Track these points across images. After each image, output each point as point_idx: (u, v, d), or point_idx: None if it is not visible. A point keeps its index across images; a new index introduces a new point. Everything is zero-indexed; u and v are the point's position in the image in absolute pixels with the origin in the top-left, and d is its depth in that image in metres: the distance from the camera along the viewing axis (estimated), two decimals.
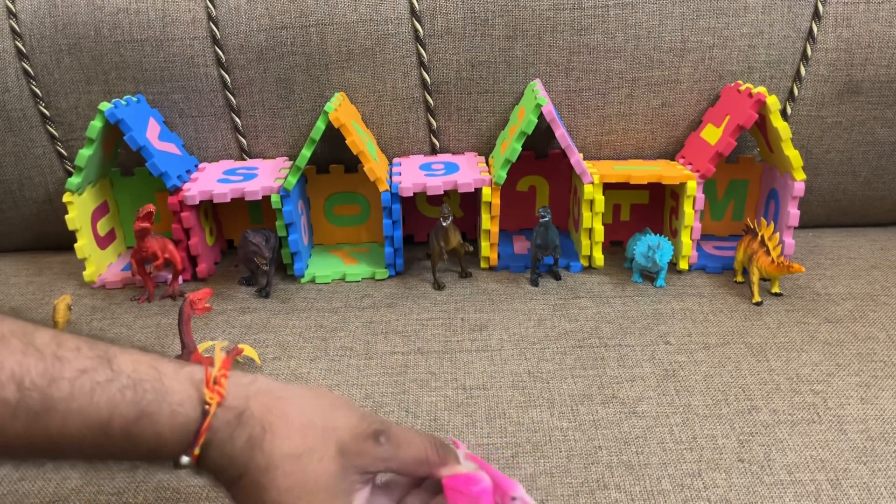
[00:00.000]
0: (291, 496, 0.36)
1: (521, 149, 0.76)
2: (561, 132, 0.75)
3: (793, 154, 0.74)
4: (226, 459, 0.37)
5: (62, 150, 0.86)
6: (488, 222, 0.79)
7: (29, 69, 0.82)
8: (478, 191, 0.79)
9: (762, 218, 0.76)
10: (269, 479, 0.36)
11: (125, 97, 0.81)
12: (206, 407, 0.36)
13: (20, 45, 0.82)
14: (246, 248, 0.76)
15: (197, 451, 0.36)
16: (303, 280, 0.81)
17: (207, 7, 0.80)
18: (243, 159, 0.89)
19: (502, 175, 0.77)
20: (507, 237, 0.90)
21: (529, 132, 0.75)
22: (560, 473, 0.51)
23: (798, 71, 0.83)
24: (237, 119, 0.85)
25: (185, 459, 0.36)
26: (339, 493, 0.37)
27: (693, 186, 0.76)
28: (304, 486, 0.36)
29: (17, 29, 0.81)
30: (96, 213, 0.83)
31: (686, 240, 0.79)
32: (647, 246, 0.75)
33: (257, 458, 0.36)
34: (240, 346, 0.65)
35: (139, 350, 0.38)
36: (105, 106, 0.75)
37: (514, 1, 0.79)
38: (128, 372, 0.36)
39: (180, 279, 0.80)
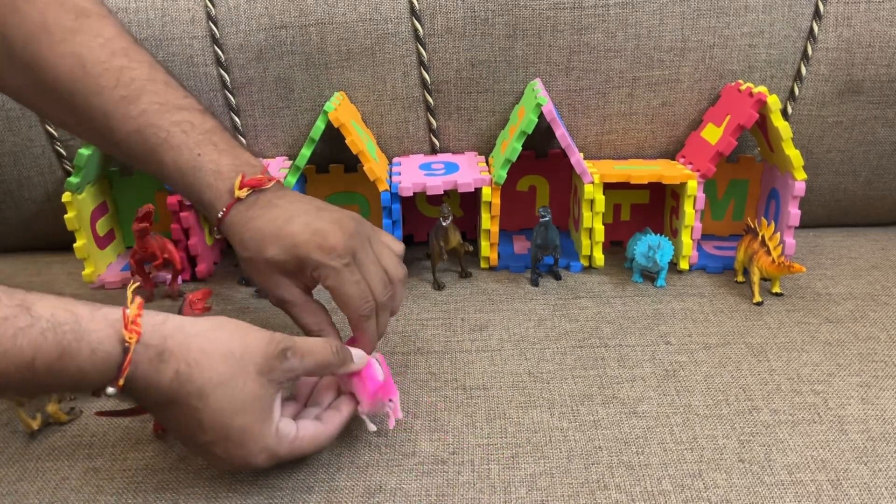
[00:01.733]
0: (226, 416, 0.45)
1: (521, 148, 0.75)
2: (561, 132, 0.75)
3: (793, 154, 0.73)
4: (152, 390, 0.44)
5: (61, 150, 0.86)
6: (488, 222, 0.79)
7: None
8: (478, 190, 0.79)
9: (763, 218, 0.76)
10: (203, 404, 0.44)
11: None
12: (126, 345, 0.42)
13: None
14: None
15: (122, 381, 0.42)
16: None
17: (207, 6, 0.80)
18: None
19: (502, 175, 0.77)
20: (507, 237, 0.90)
21: (529, 132, 0.75)
22: (560, 473, 0.51)
23: (799, 70, 0.83)
24: (236, 118, 0.85)
25: (110, 390, 0.43)
26: (264, 406, 0.47)
27: (693, 186, 0.76)
28: (235, 407, 0.45)
29: None
30: (95, 212, 0.83)
31: (686, 240, 0.78)
32: (647, 246, 0.75)
33: (187, 388, 0.44)
34: None
35: (55, 296, 0.43)
36: None
37: (514, 0, 0.79)
38: (46, 316, 0.41)
39: (179, 279, 0.80)
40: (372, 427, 0.54)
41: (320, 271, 0.53)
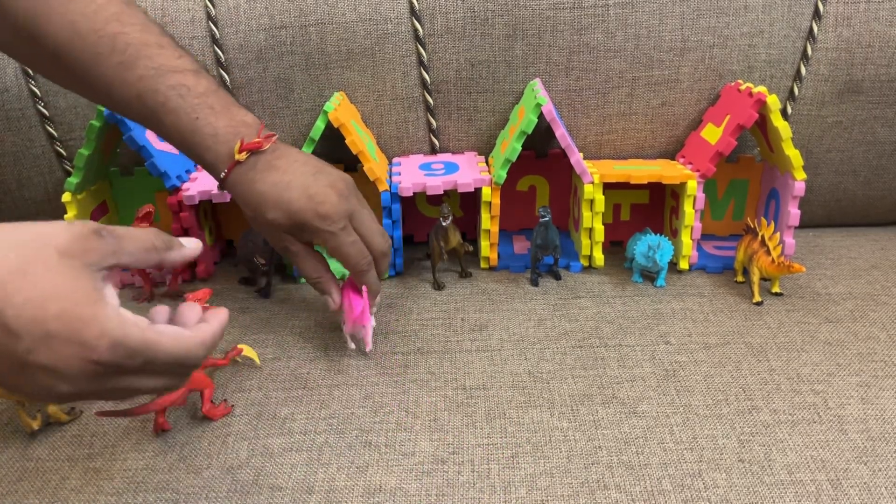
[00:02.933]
0: (35, 307, 0.36)
1: (521, 148, 0.75)
2: (561, 132, 0.75)
3: (793, 153, 0.73)
4: None
5: (61, 150, 0.86)
6: (488, 222, 0.79)
7: (28, 69, 0.82)
8: (478, 191, 0.79)
9: (762, 218, 0.76)
10: (3, 294, 0.35)
11: None
12: None
13: None
14: (246, 248, 0.76)
15: None
16: (302, 280, 0.81)
17: (207, 7, 0.80)
18: None
19: (502, 175, 0.77)
20: (507, 237, 0.90)
21: (529, 132, 0.75)
22: (560, 473, 0.51)
23: (798, 70, 0.83)
24: None
25: None
26: (86, 288, 0.37)
27: (693, 186, 0.76)
28: (44, 294, 0.36)
29: None
30: (95, 213, 0.83)
31: (686, 239, 0.78)
32: (647, 246, 0.75)
33: None
34: (239, 346, 0.65)
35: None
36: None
37: (514, 0, 0.79)
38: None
39: (179, 279, 0.80)
40: (351, 345, 0.66)
41: (319, 236, 0.60)
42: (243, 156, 0.59)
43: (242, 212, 0.63)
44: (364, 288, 0.64)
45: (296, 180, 0.60)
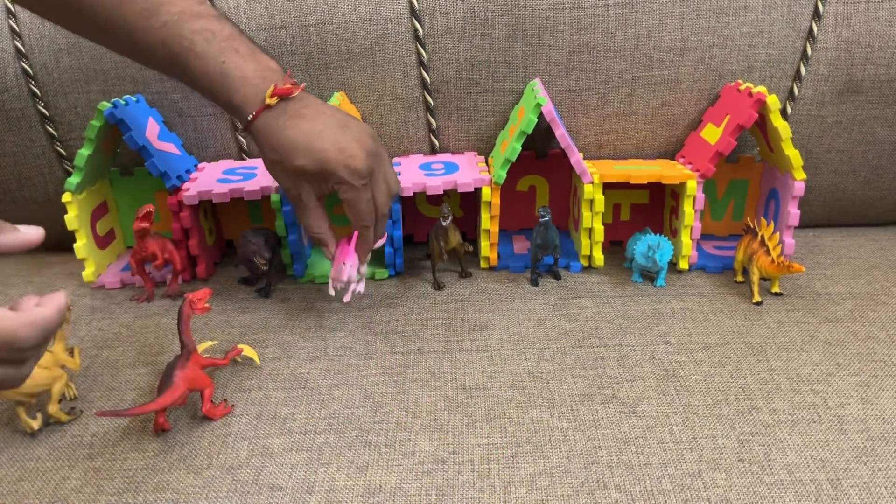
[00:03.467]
0: None
1: (521, 148, 0.75)
2: (561, 132, 0.75)
3: (793, 153, 0.73)
4: None
5: (61, 150, 0.86)
6: (488, 222, 0.79)
7: (28, 69, 0.82)
8: (478, 191, 0.79)
9: (762, 217, 0.76)
10: None
11: (124, 97, 0.81)
12: None
13: (19, 45, 0.81)
14: (246, 248, 0.76)
15: None
16: (302, 280, 0.81)
17: None
18: (243, 159, 0.89)
19: (502, 175, 0.77)
20: (507, 237, 0.90)
21: (529, 132, 0.75)
22: (560, 473, 0.51)
23: (798, 70, 0.83)
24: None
25: None
26: None
27: (693, 186, 0.76)
28: None
29: (17, 28, 0.81)
30: (95, 213, 0.83)
31: (686, 239, 0.78)
32: (647, 246, 0.75)
33: None
34: (239, 346, 0.65)
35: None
36: (104, 106, 0.75)
37: (514, 0, 0.79)
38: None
39: (180, 279, 0.80)
40: (331, 291, 0.70)
41: (342, 186, 0.63)
42: (274, 100, 0.61)
43: (262, 155, 0.64)
44: (355, 239, 0.68)
45: (326, 131, 0.61)
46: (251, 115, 0.62)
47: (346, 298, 0.71)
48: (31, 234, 0.45)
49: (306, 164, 0.61)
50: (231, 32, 0.62)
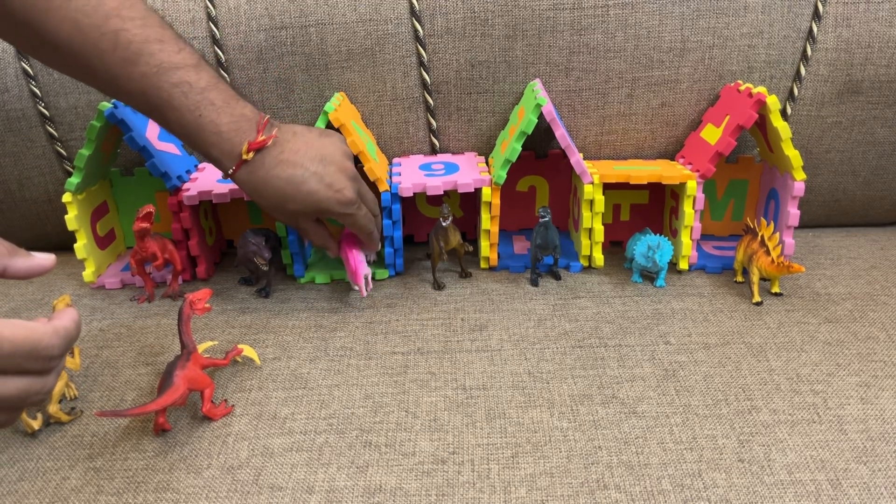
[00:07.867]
0: None
1: (521, 149, 0.75)
2: (561, 132, 0.75)
3: (793, 154, 0.74)
4: None
5: (62, 150, 0.86)
6: (488, 222, 0.79)
7: (28, 69, 0.82)
8: (478, 191, 0.79)
9: (762, 218, 0.76)
10: None
11: None
12: None
13: None
14: (246, 249, 0.76)
15: None
16: (302, 280, 0.81)
17: (207, 7, 0.80)
18: None
19: (502, 175, 0.77)
20: (507, 237, 0.90)
21: (529, 132, 0.75)
22: (560, 473, 0.51)
23: (798, 71, 0.83)
24: None
25: None
26: None
27: (693, 186, 0.76)
28: None
29: None
30: (96, 213, 0.83)
31: (686, 240, 0.79)
32: (647, 246, 0.75)
33: None
34: (239, 346, 0.65)
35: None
36: (105, 106, 0.75)
37: (514, 1, 0.79)
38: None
39: (180, 279, 0.80)
40: (363, 293, 0.74)
41: (340, 217, 0.68)
42: (251, 155, 0.63)
43: (255, 201, 0.67)
44: (347, 234, 0.74)
45: (308, 172, 0.64)
46: (231, 170, 0.64)
47: (363, 294, 0.75)
48: (44, 260, 0.47)
49: (299, 208, 0.66)
50: (208, 82, 0.62)
